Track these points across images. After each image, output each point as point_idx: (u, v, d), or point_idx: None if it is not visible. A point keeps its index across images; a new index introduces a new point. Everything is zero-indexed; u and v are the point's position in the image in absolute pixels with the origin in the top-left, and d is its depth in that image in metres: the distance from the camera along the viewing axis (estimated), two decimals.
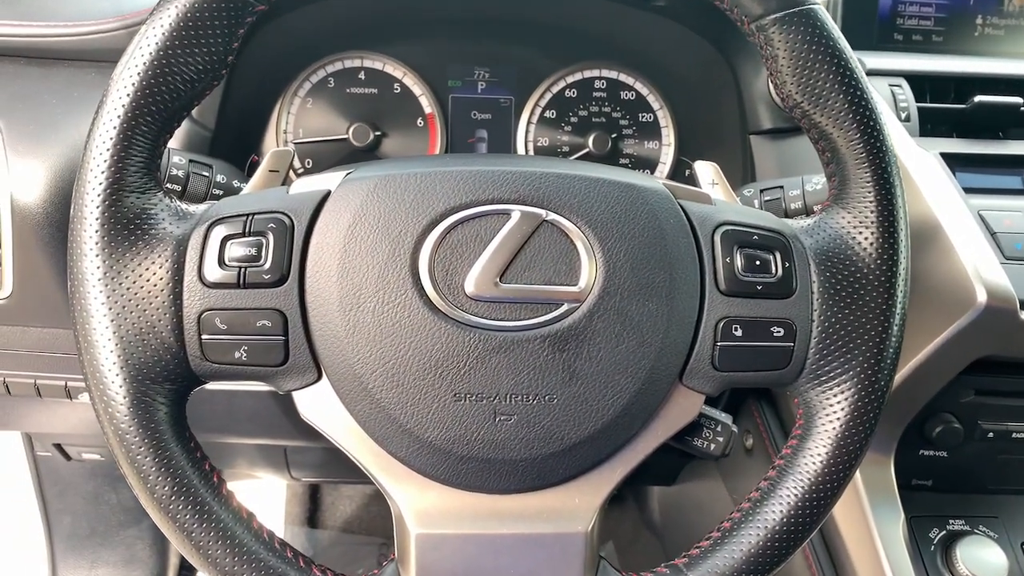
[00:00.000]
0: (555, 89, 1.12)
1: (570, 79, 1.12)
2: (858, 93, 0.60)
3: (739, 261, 0.61)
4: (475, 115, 1.13)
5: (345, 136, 1.08)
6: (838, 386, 0.61)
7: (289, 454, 1.44)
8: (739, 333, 0.61)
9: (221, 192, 0.83)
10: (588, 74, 1.12)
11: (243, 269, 0.58)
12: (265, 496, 2.15)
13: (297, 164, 1.12)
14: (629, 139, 1.13)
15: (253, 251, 0.58)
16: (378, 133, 1.09)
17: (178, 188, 0.80)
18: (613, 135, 1.11)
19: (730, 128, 1.08)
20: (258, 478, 1.65)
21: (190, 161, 0.81)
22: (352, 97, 1.09)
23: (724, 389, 0.65)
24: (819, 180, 0.80)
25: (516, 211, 0.59)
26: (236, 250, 0.58)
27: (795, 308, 0.61)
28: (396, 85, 1.10)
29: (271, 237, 0.58)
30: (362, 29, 1.10)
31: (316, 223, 0.59)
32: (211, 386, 0.64)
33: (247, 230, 0.58)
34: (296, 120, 1.10)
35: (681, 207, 0.61)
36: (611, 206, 0.60)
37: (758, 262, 0.61)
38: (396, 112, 1.10)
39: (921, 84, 1.03)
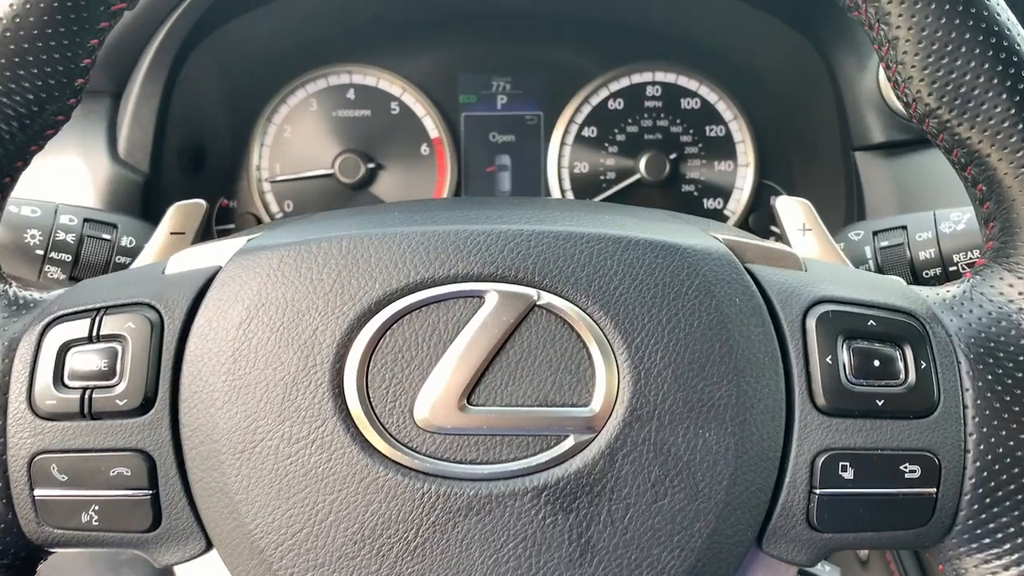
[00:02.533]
0: (595, 100, 0.96)
1: (614, 86, 0.96)
2: None
3: (847, 360, 0.43)
4: (494, 137, 0.97)
5: (331, 171, 0.93)
6: (1012, 553, 0.40)
7: None
8: (849, 475, 0.42)
9: (129, 261, 0.67)
10: (637, 79, 0.96)
11: (88, 392, 0.41)
12: None
13: (275, 208, 0.96)
14: (694, 160, 0.95)
15: (103, 364, 0.41)
16: (371, 165, 0.94)
17: (68, 258, 0.64)
18: (672, 156, 0.93)
19: (827, 142, 0.87)
20: None
21: (85, 220, 0.66)
22: (340, 122, 0.95)
23: (827, 555, 0.45)
24: (960, 216, 0.59)
25: (492, 292, 0.42)
26: (80, 362, 0.41)
27: (938, 433, 0.44)
28: (393, 104, 0.96)
29: (129, 343, 0.41)
30: (349, 35, 0.95)
31: (195, 320, 0.41)
32: None
33: (94, 332, 0.41)
34: (272, 153, 0.95)
35: (753, 276, 0.42)
36: (640, 279, 0.42)
37: (877, 362, 0.43)
38: (394, 138, 0.96)
39: None
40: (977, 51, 0.43)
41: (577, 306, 0.43)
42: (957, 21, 0.42)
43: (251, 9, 0.85)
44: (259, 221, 0.95)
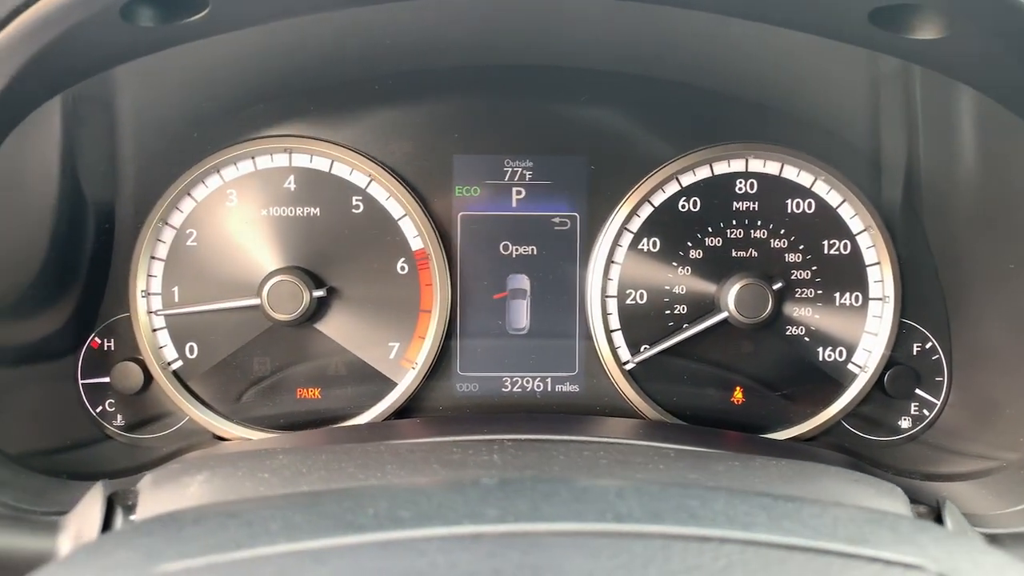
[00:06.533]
0: (659, 198, 0.73)
1: (687, 179, 0.73)
2: None
3: None
4: (507, 249, 0.74)
5: (255, 301, 0.65)
6: None
7: None
8: None
9: None
10: (722, 168, 0.73)
11: None
12: None
13: (171, 354, 0.69)
14: (803, 289, 0.72)
15: None
16: (320, 293, 0.68)
17: None
18: (777, 285, 0.71)
19: None
20: None
21: None
22: (273, 225, 0.71)
23: None
24: None
25: None
26: None
27: None
28: (356, 199, 0.71)
29: None
30: (289, 93, 0.69)
31: None
32: None
33: None
34: (168, 271, 0.71)
35: None
36: None
37: None
38: (356, 250, 0.71)
39: None
40: None
41: None
42: None
43: (123, 60, 0.56)
44: (146, 372, 0.67)
